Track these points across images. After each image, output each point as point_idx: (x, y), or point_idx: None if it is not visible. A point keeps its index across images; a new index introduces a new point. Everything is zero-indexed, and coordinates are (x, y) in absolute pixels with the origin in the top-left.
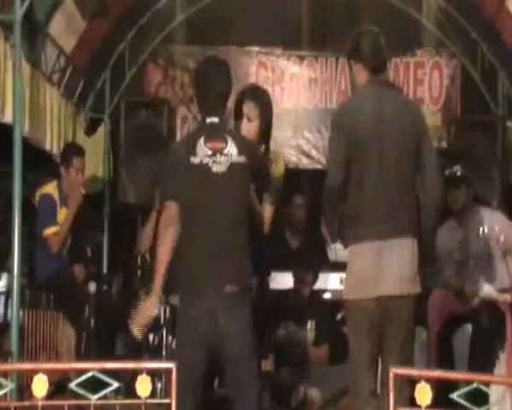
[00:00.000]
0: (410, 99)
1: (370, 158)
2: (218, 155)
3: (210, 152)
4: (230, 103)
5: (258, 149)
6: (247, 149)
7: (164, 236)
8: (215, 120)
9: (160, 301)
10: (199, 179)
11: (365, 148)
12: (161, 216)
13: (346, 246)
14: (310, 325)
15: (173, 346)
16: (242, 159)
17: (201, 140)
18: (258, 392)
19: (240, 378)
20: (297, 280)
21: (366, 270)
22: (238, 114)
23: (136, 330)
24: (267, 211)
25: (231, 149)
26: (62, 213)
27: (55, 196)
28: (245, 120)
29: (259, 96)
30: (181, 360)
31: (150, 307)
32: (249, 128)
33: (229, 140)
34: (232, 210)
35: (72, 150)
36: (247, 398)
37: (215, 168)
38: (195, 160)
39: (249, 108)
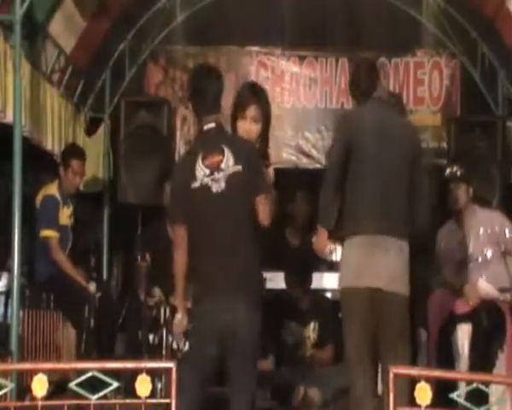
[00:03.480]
0: (410, 122)
1: (371, 160)
2: (215, 173)
3: (208, 171)
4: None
5: (254, 150)
6: (243, 155)
7: (176, 257)
8: (211, 125)
9: (160, 301)
10: (200, 202)
11: (366, 152)
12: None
13: (339, 237)
14: (313, 326)
15: (173, 346)
16: (239, 167)
17: (199, 160)
18: (253, 391)
19: (240, 376)
20: (288, 283)
21: (359, 260)
22: (240, 116)
23: (176, 340)
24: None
25: (228, 160)
26: (64, 213)
27: (58, 196)
28: (249, 122)
29: (261, 97)
30: (193, 353)
31: (179, 324)
32: (255, 130)
33: (226, 150)
34: (236, 223)
35: (73, 153)
36: (242, 396)
37: (214, 188)
38: (195, 184)
39: (254, 110)
